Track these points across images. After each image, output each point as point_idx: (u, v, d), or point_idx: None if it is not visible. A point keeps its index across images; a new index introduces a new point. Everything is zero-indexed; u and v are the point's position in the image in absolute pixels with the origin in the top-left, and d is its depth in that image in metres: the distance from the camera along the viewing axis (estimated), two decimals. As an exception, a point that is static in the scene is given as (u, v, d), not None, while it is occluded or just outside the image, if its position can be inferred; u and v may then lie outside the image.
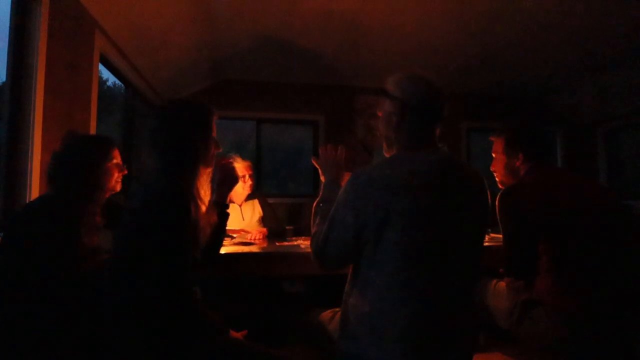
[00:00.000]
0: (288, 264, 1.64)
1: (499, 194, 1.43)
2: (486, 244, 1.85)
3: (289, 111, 4.26)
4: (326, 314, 1.24)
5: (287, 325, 1.68)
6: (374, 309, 0.94)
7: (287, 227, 2.84)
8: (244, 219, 2.56)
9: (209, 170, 1.21)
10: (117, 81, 3.02)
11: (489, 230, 2.10)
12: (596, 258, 1.22)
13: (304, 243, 1.91)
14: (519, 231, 1.36)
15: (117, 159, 1.38)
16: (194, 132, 1.13)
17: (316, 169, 1.36)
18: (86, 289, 1.18)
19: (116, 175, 1.37)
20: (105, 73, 2.76)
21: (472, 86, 4.34)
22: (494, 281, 1.50)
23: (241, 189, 2.52)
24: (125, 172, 1.41)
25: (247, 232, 2.28)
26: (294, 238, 2.19)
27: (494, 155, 1.62)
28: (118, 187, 1.39)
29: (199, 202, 1.14)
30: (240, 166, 2.50)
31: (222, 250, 1.64)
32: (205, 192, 1.18)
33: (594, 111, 4.18)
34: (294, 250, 1.74)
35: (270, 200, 2.88)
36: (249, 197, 2.62)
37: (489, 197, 1.06)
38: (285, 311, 1.83)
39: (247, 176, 2.50)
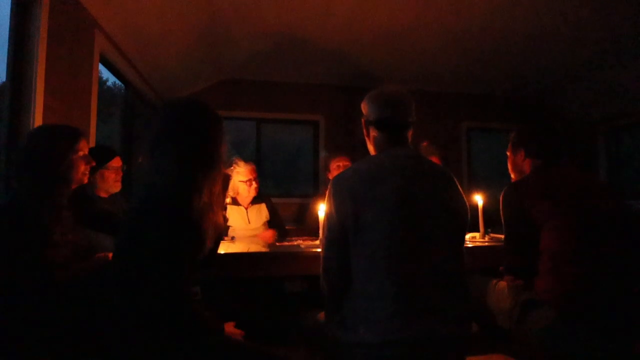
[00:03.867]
0: (288, 264, 1.65)
1: (503, 191, 1.44)
2: (486, 244, 1.86)
3: (289, 111, 4.25)
4: (326, 314, 1.25)
5: (287, 325, 1.68)
6: (362, 292, 1.01)
7: (287, 227, 2.86)
8: (250, 221, 2.56)
9: (221, 173, 1.17)
10: (117, 81, 3.03)
11: (489, 230, 2.10)
12: (597, 257, 1.22)
13: (304, 243, 1.91)
14: (520, 228, 1.36)
15: (83, 151, 1.33)
16: (212, 134, 1.11)
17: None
18: (77, 289, 1.18)
19: (83, 168, 1.33)
20: (105, 73, 2.76)
21: (472, 86, 4.34)
22: (494, 281, 1.50)
23: (246, 192, 2.53)
24: (93, 164, 1.37)
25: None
26: (294, 238, 2.19)
27: (507, 153, 1.64)
28: (85, 180, 1.36)
29: (210, 205, 1.10)
30: (244, 170, 2.51)
31: (222, 250, 1.64)
32: (217, 196, 1.15)
33: (594, 111, 4.18)
34: (294, 250, 1.74)
35: (272, 201, 2.89)
36: (256, 201, 2.63)
37: (459, 186, 1.17)
38: (285, 311, 1.83)
39: (252, 179, 2.51)
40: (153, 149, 1.07)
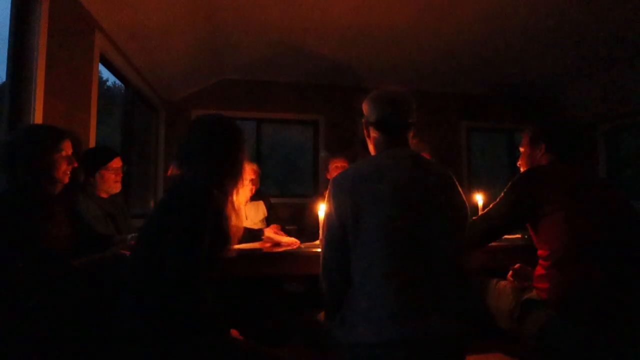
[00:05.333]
0: (288, 264, 1.64)
1: (518, 174, 1.42)
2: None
3: (289, 111, 4.26)
4: (326, 314, 1.25)
5: (287, 325, 1.68)
6: (362, 292, 1.02)
7: (287, 228, 2.86)
8: (247, 217, 2.58)
9: (245, 182, 1.27)
10: (117, 81, 3.03)
11: None
12: (599, 258, 1.22)
13: (304, 244, 1.91)
14: (513, 205, 1.36)
15: (66, 151, 1.37)
16: (237, 148, 1.22)
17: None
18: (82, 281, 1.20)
19: (64, 167, 1.36)
20: (105, 73, 2.76)
21: (472, 86, 4.34)
22: (494, 281, 1.50)
23: (246, 191, 2.56)
24: (76, 164, 1.41)
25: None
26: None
27: (521, 150, 1.62)
28: (66, 180, 1.38)
29: (233, 211, 1.21)
30: (247, 169, 2.54)
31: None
32: (239, 203, 1.26)
33: (594, 111, 4.18)
34: (294, 250, 1.74)
35: (272, 201, 2.90)
36: (254, 198, 2.66)
37: (458, 185, 1.17)
38: (285, 311, 1.83)
39: (247, 180, 2.53)
40: (184, 160, 1.17)
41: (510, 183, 1.40)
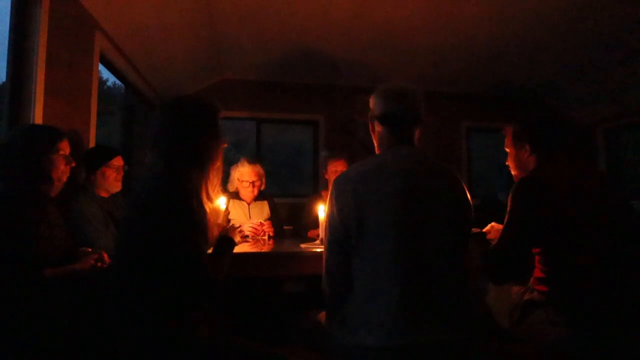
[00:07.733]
0: (288, 264, 1.65)
1: (513, 186, 1.33)
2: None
3: (289, 111, 4.25)
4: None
5: (287, 325, 1.68)
6: (364, 295, 1.00)
7: (286, 227, 2.85)
8: (251, 217, 2.59)
9: (218, 166, 1.18)
10: (117, 81, 3.03)
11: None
12: (600, 258, 1.21)
13: (304, 244, 1.91)
14: (524, 225, 1.25)
15: (64, 151, 1.36)
16: (202, 132, 1.12)
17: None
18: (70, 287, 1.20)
19: (62, 167, 1.35)
20: (105, 73, 2.76)
21: (472, 86, 4.34)
22: (494, 281, 1.50)
23: (244, 192, 2.56)
24: (74, 164, 1.39)
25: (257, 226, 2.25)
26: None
27: (506, 149, 1.56)
28: (64, 179, 1.37)
29: (206, 201, 1.12)
30: (244, 170, 2.53)
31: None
32: (213, 191, 1.16)
33: (594, 111, 4.18)
34: (294, 250, 1.74)
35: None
36: (259, 198, 2.66)
37: (464, 186, 1.14)
38: (285, 311, 1.83)
39: (250, 182, 2.52)
40: (151, 148, 1.10)
41: (510, 202, 1.29)
